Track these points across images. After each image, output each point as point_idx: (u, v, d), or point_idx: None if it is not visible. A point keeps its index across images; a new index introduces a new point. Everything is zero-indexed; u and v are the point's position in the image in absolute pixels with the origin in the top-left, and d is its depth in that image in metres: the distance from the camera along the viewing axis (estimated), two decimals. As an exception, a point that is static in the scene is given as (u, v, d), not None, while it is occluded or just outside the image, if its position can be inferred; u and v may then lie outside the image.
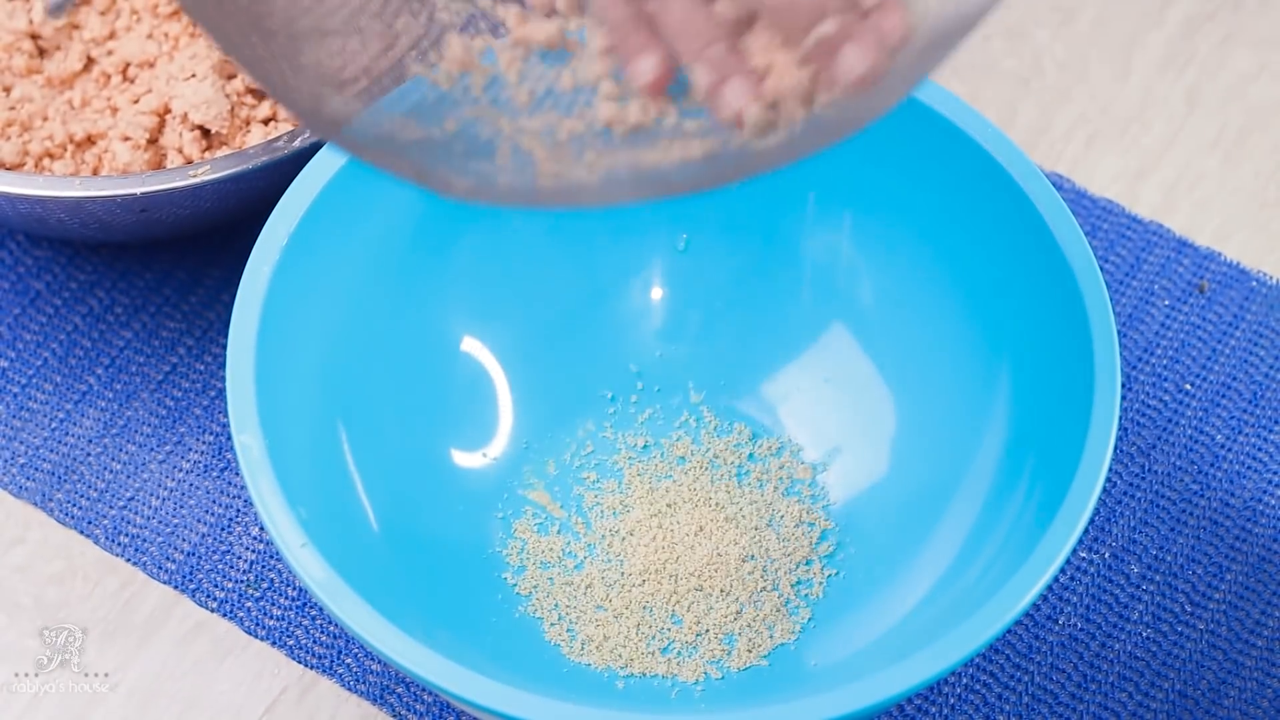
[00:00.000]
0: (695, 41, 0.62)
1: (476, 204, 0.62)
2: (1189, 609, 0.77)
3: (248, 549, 0.78)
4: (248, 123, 0.80)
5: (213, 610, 0.77)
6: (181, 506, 0.79)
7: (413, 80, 0.65)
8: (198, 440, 0.80)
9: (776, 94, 0.61)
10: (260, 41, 0.61)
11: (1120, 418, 0.77)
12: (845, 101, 0.60)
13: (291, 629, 0.76)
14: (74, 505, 0.79)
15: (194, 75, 0.79)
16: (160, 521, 0.78)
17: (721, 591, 0.73)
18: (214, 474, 0.79)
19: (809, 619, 0.73)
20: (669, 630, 0.73)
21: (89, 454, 0.80)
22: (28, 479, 0.79)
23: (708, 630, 0.73)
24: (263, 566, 0.77)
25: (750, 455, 0.77)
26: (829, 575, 0.74)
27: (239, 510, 0.79)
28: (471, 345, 0.77)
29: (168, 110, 0.80)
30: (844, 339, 0.77)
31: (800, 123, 0.61)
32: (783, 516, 0.75)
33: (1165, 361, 0.82)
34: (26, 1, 0.82)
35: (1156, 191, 0.87)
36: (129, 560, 0.78)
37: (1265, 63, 0.90)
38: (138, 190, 0.74)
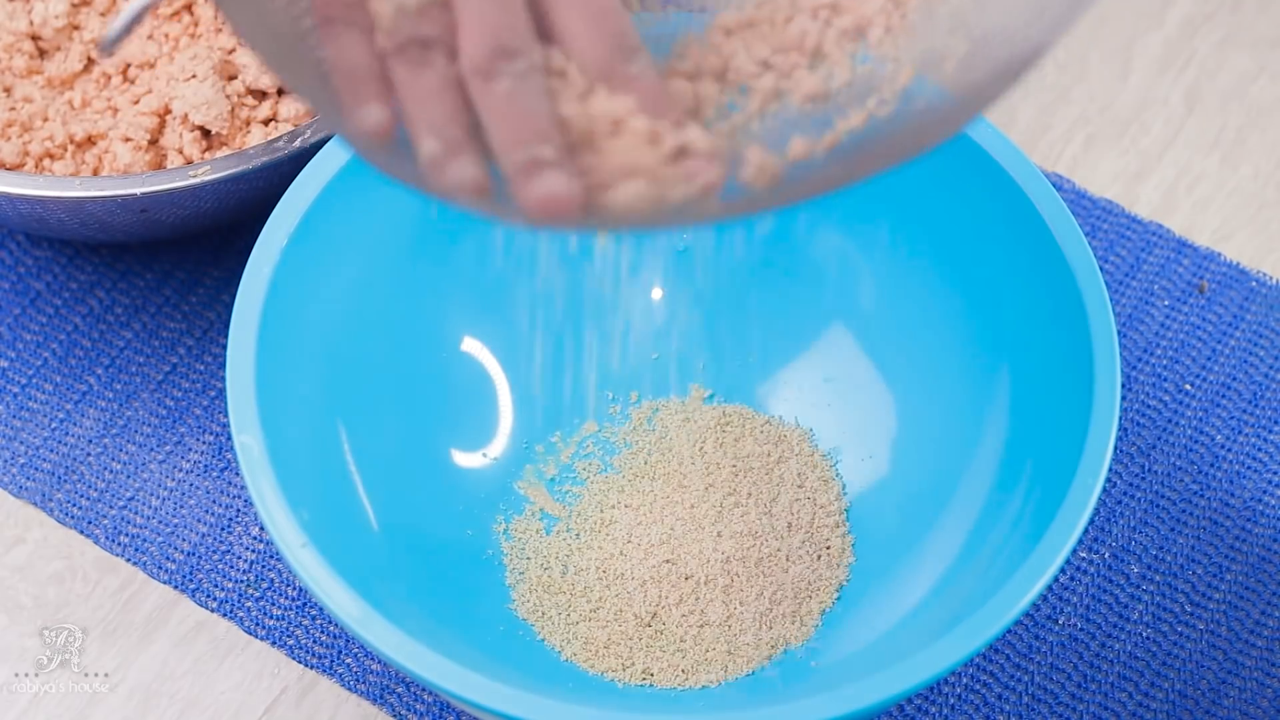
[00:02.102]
0: (436, 115, 0.58)
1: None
2: (1189, 609, 0.77)
3: (248, 549, 0.78)
4: (248, 123, 0.80)
5: (213, 610, 0.77)
6: (181, 506, 0.79)
7: None
8: (198, 440, 0.80)
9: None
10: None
11: (1120, 418, 0.78)
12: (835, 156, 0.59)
13: (291, 629, 0.76)
14: (74, 505, 0.79)
15: (194, 76, 0.79)
16: (160, 521, 0.78)
17: (723, 593, 0.73)
18: (214, 474, 0.79)
19: (815, 622, 0.73)
20: (670, 632, 0.73)
21: (89, 454, 0.80)
22: (28, 479, 0.79)
23: (709, 632, 0.73)
24: (263, 566, 0.77)
25: (750, 456, 0.77)
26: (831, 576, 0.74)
27: (239, 510, 0.79)
28: (471, 345, 0.77)
29: (168, 111, 0.80)
30: (844, 339, 0.78)
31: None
32: (784, 518, 0.75)
33: (1165, 361, 0.82)
34: (27, 2, 0.82)
35: (1156, 192, 0.87)
36: (129, 560, 0.78)
37: (1264, 63, 0.90)
38: (138, 190, 0.74)
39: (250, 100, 0.80)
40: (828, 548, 0.75)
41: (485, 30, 0.57)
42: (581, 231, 0.61)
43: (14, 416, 0.81)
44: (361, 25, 0.58)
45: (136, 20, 0.61)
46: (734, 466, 0.76)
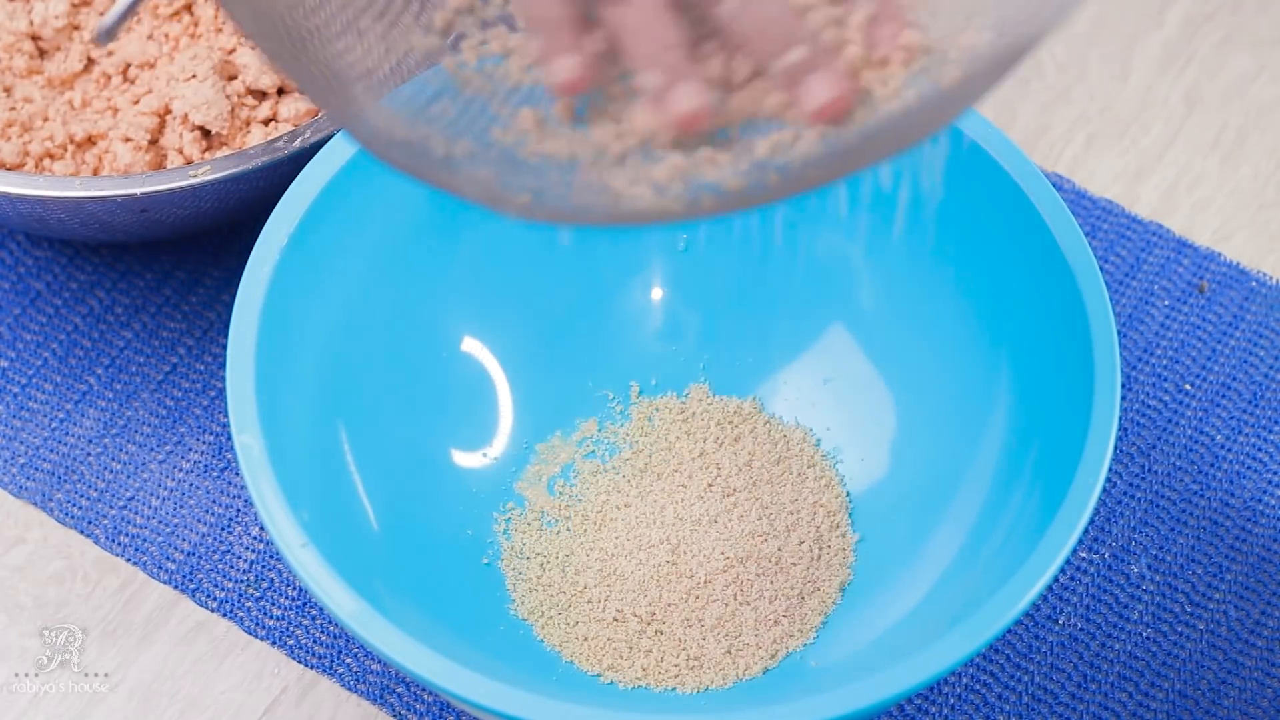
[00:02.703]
0: (650, 46, 0.61)
1: (530, 221, 0.61)
2: (1189, 609, 0.77)
3: (248, 549, 0.78)
4: (248, 123, 0.80)
5: (213, 610, 0.77)
6: (181, 506, 0.79)
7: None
8: (198, 440, 0.80)
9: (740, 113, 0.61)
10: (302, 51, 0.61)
11: (1120, 418, 0.78)
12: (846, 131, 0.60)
13: (291, 629, 0.76)
14: (74, 505, 0.79)
15: (194, 76, 0.79)
16: (160, 521, 0.78)
17: (723, 593, 0.73)
18: (214, 474, 0.79)
19: (815, 622, 0.73)
20: (670, 632, 0.73)
21: (89, 454, 0.80)
22: (28, 479, 0.79)
23: (709, 632, 0.73)
24: (263, 566, 0.77)
25: (751, 456, 0.77)
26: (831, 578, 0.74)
27: (239, 510, 0.79)
28: (471, 345, 0.77)
29: (168, 111, 0.80)
30: (844, 339, 0.78)
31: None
32: (785, 518, 0.75)
33: (1165, 361, 0.82)
34: (27, 2, 0.82)
35: (1156, 192, 0.87)
36: (129, 560, 0.78)
37: (1264, 63, 0.90)
38: (138, 190, 0.74)
39: (250, 100, 0.80)
40: (828, 548, 0.75)
41: None
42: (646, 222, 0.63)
43: (14, 416, 0.81)
44: None
45: (132, 9, 0.61)
46: (734, 466, 0.76)
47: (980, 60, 0.60)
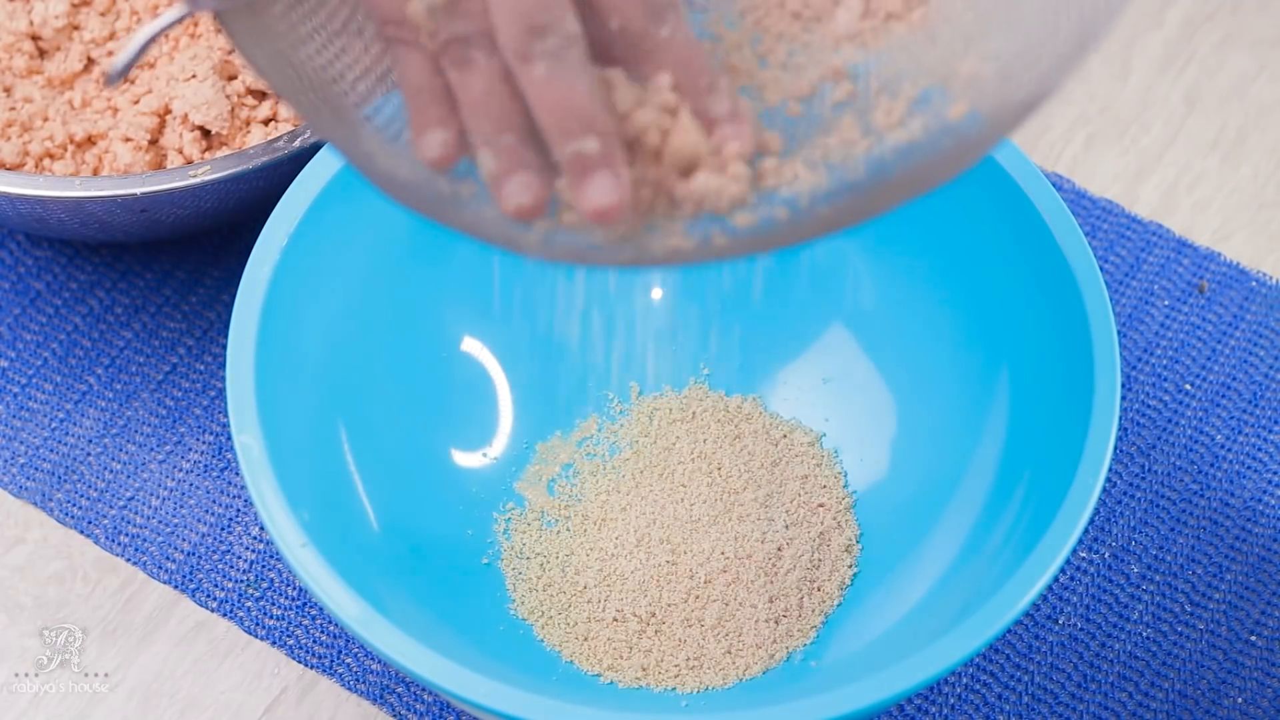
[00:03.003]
0: (487, 124, 0.57)
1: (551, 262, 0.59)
2: (1189, 609, 0.77)
3: (248, 549, 0.78)
4: (248, 123, 0.80)
5: (213, 610, 0.77)
6: (181, 506, 0.79)
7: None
8: (198, 440, 0.80)
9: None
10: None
11: (1120, 418, 0.78)
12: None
13: (291, 629, 0.76)
14: (74, 505, 0.79)
15: (194, 76, 0.79)
16: (160, 521, 0.78)
17: (724, 594, 0.73)
18: (214, 474, 0.79)
19: (816, 622, 0.73)
20: (670, 632, 0.73)
21: (89, 454, 0.80)
22: (28, 479, 0.79)
23: (709, 632, 0.73)
24: (263, 566, 0.77)
25: (751, 455, 0.77)
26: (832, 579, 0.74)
27: (239, 510, 0.79)
28: (471, 345, 0.77)
29: (168, 111, 0.80)
30: (844, 339, 0.78)
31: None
32: (785, 518, 0.75)
33: (1165, 361, 0.82)
34: (27, 2, 0.82)
35: (1156, 192, 0.87)
36: (129, 560, 0.78)
37: (1264, 63, 0.90)
38: (138, 190, 0.74)
39: (250, 100, 0.80)
40: (829, 547, 0.75)
41: (512, 10, 0.55)
42: (622, 266, 0.60)
43: (14, 416, 0.81)
44: (416, 41, 0.57)
45: (143, 51, 0.61)
46: (735, 466, 0.76)
47: (986, 95, 0.59)
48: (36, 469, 0.80)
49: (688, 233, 0.58)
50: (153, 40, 0.61)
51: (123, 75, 0.60)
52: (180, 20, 0.60)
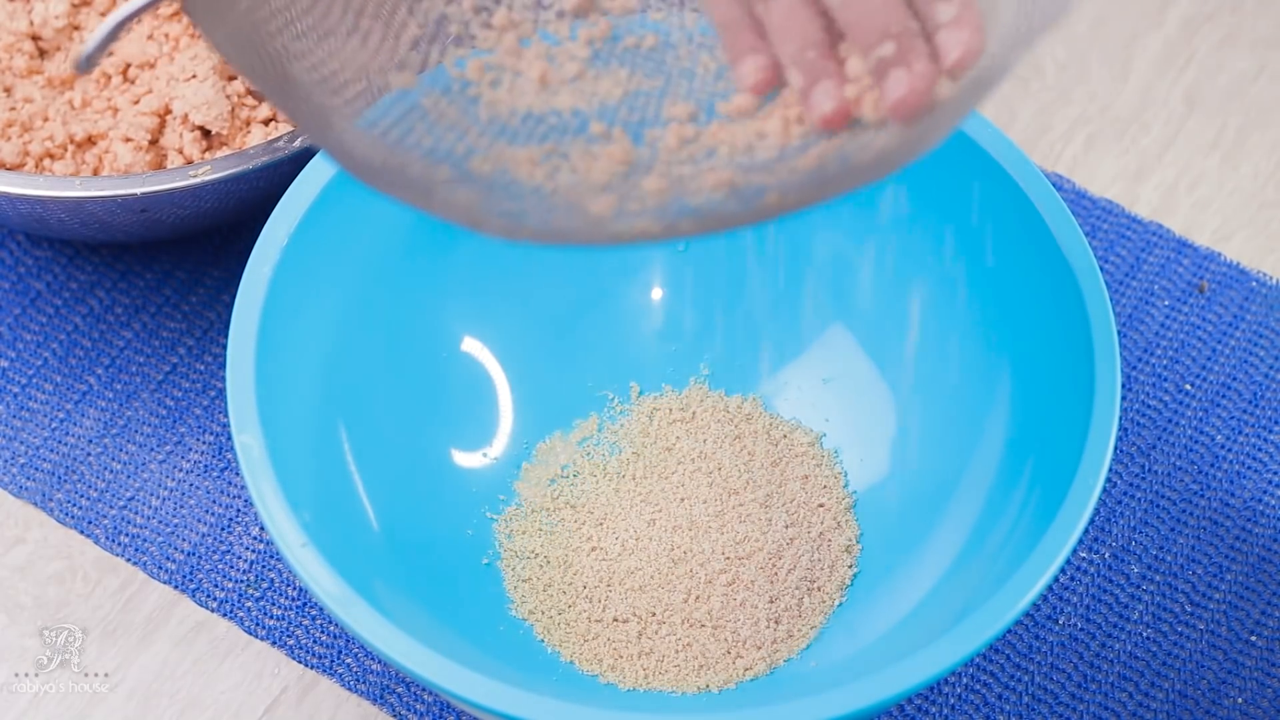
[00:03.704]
0: (793, 44, 0.63)
1: (514, 242, 0.62)
2: (1189, 609, 0.77)
3: (248, 549, 0.78)
4: (248, 123, 0.80)
5: (213, 610, 0.77)
6: (181, 506, 0.79)
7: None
8: (198, 440, 0.80)
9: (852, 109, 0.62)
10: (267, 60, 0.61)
11: (1120, 418, 0.78)
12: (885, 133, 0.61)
13: (291, 629, 0.76)
14: (74, 505, 0.79)
15: (194, 76, 0.79)
16: (160, 521, 0.78)
17: (724, 593, 0.73)
18: (214, 474, 0.79)
19: (817, 622, 0.73)
20: (670, 632, 0.73)
21: (89, 454, 0.80)
22: (28, 479, 0.79)
23: (710, 632, 0.73)
24: (263, 566, 0.77)
25: (751, 455, 0.77)
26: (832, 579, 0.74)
27: (239, 510, 0.79)
28: (471, 345, 0.77)
29: (168, 111, 0.80)
30: (844, 339, 0.78)
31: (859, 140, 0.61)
32: (786, 518, 0.75)
33: (1165, 361, 0.82)
34: (27, 2, 0.82)
35: (1156, 192, 0.87)
36: (129, 560, 0.78)
37: (1264, 63, 0.90)
38: (138, 190, 0.74)
39: (250, 100, 0.80)
40: (829, 547, 0.75)
41: None
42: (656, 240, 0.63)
43: (14, 416, 0.81)
44: None
45: (113, 37, 0.61)
46: (735, 466, 0.76)
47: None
48: (37, 469, 0.80)
49: (656, 215, 0.60)
50: (121, 26, 0.61)
51: (93, 62, 0.60)
52: (149, 6, 0.61)
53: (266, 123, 0.80)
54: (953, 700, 0.75)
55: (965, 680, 0.75)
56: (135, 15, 0.61)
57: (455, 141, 0.63)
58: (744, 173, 0.61)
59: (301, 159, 0.74)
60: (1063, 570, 0.77)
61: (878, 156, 0.60)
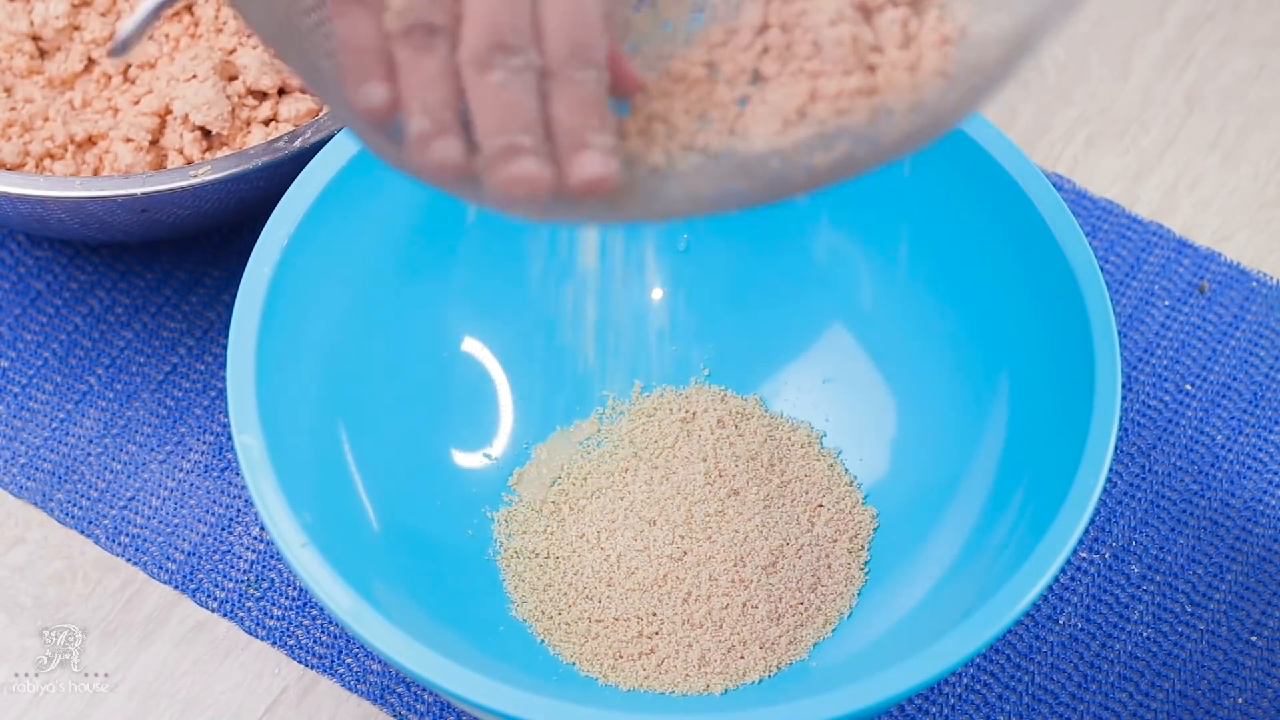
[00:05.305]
0: (430, 98, 0.61)
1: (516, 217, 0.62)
2: (1189, 609, 0.77)
3: (248, 549, 0.78)
4: (248, 123, 0.80)
5: (213, 610, 0.77)
6: (181, 506, 0.79)
7: None
8: (198, 440, 0.80)
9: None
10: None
11: (1121, 418, 0.78)
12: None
13: (291, 629, 0.76)
14: (74, 505, 0.79)
15: (195, 76, 0.79)
16: (160, 521, 0.78)
17: (725, 594, 0.73)
18: (214, 474, 0.79)
19: (817, 622, 0.73)
20: (671, 632, 0.73)
21: (89, 454, 0.80)
22: (28, 479, 0.79)
23: (710, 633, 0.73)
24: (263, 566, 0.77)
25: (752, 455, 0.77)
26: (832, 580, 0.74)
27: (239, 510, 0.79)
28: (471, 345, 0.77)
29: (169, 111, 0.80)
30: (844, 339, 0.78)
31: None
32: (787, 518, 0.75)
33: (1165, 361, 0.82)
34: (27, 2, 0.82)
35: (1156, 192, 0.87)
36: (129, 560, 0.78)
37: (1265, 63, 0.90)
38: (138, 190, 0.75)
39: (251, 100, 0.80)
40: (832, 546, 0.75)
41: (489, 24, 0.59)
42: (548, 220, 0.62)
43: (14, 416, 0.81)
44: (373, 6, 0.60)
45: (150, 21, 0.61)
46: (735, 466, 0.76)
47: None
48: (37, 469, 0.80)
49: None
50: (159, 10, 0.61)
51: (129, 47, 0.60)
52: None
53: (267, 123, 0.80)
54: (953, 700, 0.75)
55: (965, 680, 0.75)
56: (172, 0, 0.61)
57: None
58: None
59: (302, 159, 0.74)
60: (1063, 570, 0.77)
61: (911, 106, 0.60)
